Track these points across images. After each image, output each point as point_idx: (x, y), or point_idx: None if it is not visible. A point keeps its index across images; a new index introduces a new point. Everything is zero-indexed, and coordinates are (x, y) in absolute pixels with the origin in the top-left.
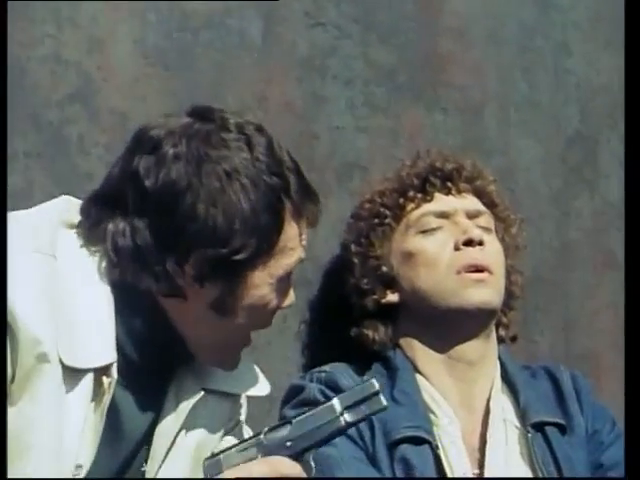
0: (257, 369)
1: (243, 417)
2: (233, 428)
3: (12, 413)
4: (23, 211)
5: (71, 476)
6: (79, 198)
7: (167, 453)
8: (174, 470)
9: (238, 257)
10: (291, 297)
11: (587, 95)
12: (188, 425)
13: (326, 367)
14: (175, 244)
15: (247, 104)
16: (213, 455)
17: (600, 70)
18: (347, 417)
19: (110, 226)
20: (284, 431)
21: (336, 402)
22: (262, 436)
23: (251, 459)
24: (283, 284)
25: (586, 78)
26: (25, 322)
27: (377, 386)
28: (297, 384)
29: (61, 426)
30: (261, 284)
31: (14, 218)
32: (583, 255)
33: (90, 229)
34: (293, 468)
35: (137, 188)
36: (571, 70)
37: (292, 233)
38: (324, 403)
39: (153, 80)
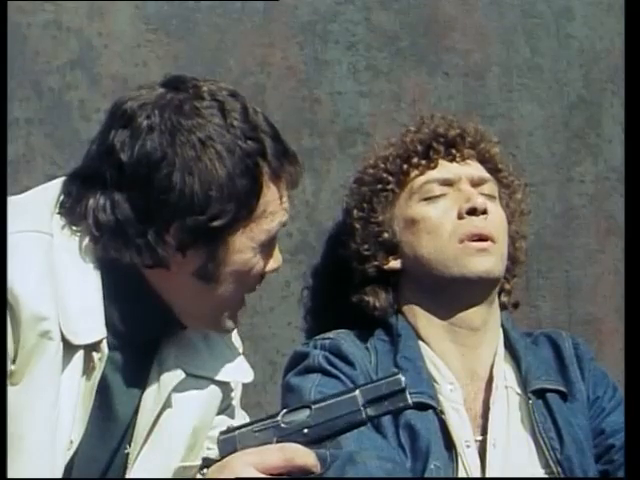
0: (241, 356)
1: (236, 402)
2: (224, 410)
3: (13, 392)
4: (23, 194)
5: (65, 451)
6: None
7: (149, 434)
8: (158, 453)
9: (217, 223)
10: (277, 260)
11: (590, 60)
12: (173, 406)
13: (330, 334)
14: (155, 215)
15: (249, 69)
16: (228, 430)
17: (603, 35)
18: (369, 411)
19: (91, 202)
20: (302, 416)
21: (359, 394)
22: (279, 418)
23: (266, 442)
24: (267, 248)
25: (589, 43)
26: (28, 299)
27: (403, 383)
28: (301, 351)
29: (58, 402)
30: (244, 249)
31: (15, 201)
32: (586, 221)
33: (72, 207)
34: (308, 458)
35: (114, 162)
36: (574, 35)
37: (271, 196)
38: (331, 373)
39: (154, 46)
